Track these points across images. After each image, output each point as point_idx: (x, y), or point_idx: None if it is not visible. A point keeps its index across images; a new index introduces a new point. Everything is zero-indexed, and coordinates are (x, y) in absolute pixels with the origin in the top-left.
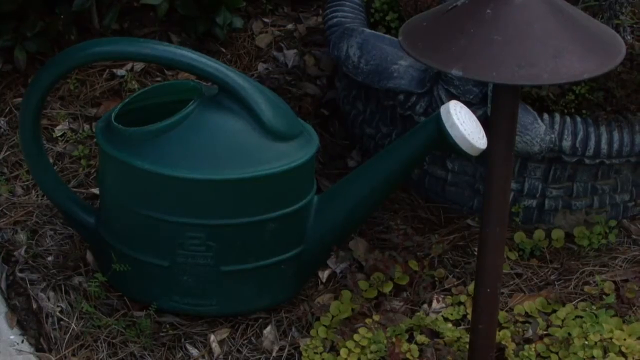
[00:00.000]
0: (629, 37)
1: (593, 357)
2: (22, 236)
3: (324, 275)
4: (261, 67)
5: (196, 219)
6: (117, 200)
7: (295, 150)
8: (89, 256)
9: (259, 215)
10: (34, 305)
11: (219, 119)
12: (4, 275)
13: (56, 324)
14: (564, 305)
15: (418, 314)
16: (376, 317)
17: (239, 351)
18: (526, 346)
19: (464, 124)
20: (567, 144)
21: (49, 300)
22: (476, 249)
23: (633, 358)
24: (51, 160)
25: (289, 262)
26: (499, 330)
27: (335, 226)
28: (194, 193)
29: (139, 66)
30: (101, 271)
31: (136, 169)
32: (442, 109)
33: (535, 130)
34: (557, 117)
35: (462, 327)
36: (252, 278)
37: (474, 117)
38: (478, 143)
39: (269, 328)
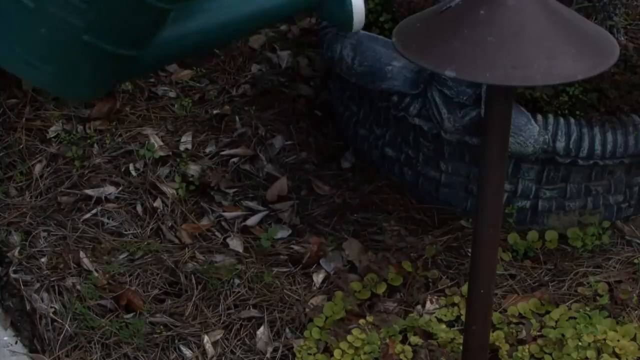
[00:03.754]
0: (622, 38)
1: (587, 358)
2: (15, 237)
3: (318, 277)
4: (255, 68)
5: None
6: None
7: None
8: (83, 256)
9: None
10: (28, 307)
11: None
12: None
13: (50, 325)
14: (557, 306)
15: (412, 315)
16: (370, 318)
17: (232, 352)
18: (520, 347)
19: None
20: (560, 145)
21: (42, 301)
22: (470, 250)
23: (626, 359)
24: (45, 162)
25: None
26: (493, 331)
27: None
28: None
29: None
30: None
31: None
32: None
33: (529, 131)
34: (551, 118)
35: (455, 328)
36: (103, 61)
37: None
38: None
39: (262, 329)
